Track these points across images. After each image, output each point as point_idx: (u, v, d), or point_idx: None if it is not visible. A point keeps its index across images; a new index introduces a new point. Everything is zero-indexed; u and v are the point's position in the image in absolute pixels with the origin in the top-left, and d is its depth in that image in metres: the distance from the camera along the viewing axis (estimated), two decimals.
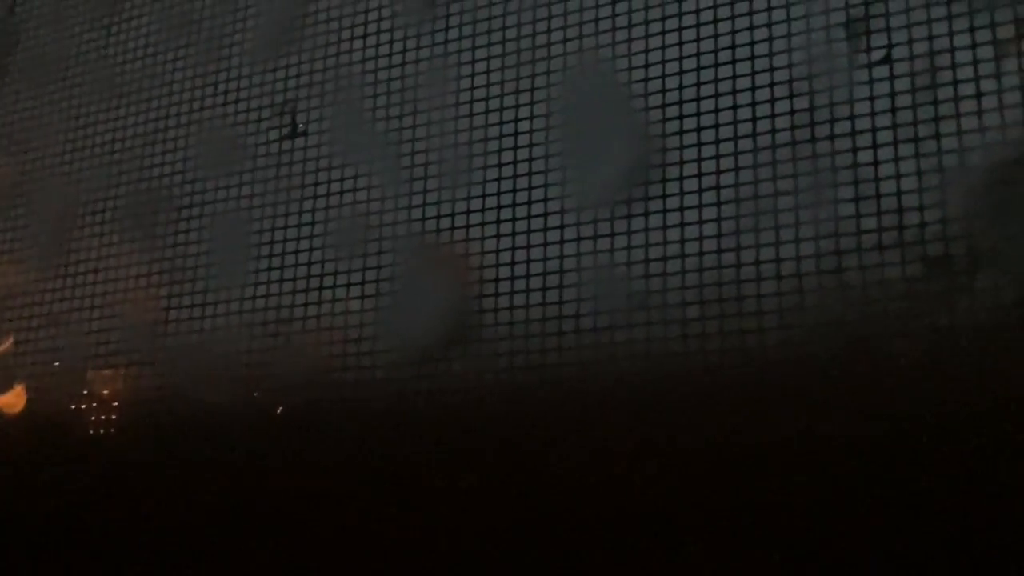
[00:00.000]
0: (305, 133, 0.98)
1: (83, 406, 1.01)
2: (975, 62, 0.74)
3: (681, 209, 0.80)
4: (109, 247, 1.05)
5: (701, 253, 0.79)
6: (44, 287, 1.07)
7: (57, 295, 1.06)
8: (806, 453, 0.73)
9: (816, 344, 0.75)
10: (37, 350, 1.05)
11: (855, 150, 0.76)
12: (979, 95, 0.73)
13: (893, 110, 0.75)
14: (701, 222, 0.79)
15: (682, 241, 0.79)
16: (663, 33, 0.84)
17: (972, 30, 0.74)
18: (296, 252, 0.95)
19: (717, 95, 0.81)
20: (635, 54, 0.85)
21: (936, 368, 0.72)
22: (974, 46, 0.74)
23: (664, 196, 0.81)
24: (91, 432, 1.00)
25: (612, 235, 0.82)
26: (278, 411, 0.92)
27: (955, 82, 0.74)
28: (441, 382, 0.86)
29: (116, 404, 1.00)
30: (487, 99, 0.90)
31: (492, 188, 0.88)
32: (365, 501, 0.87)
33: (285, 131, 0.98)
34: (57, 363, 1.04)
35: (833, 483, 0.73)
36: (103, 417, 1.00)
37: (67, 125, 1.12)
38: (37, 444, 1.03)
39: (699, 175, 0.80)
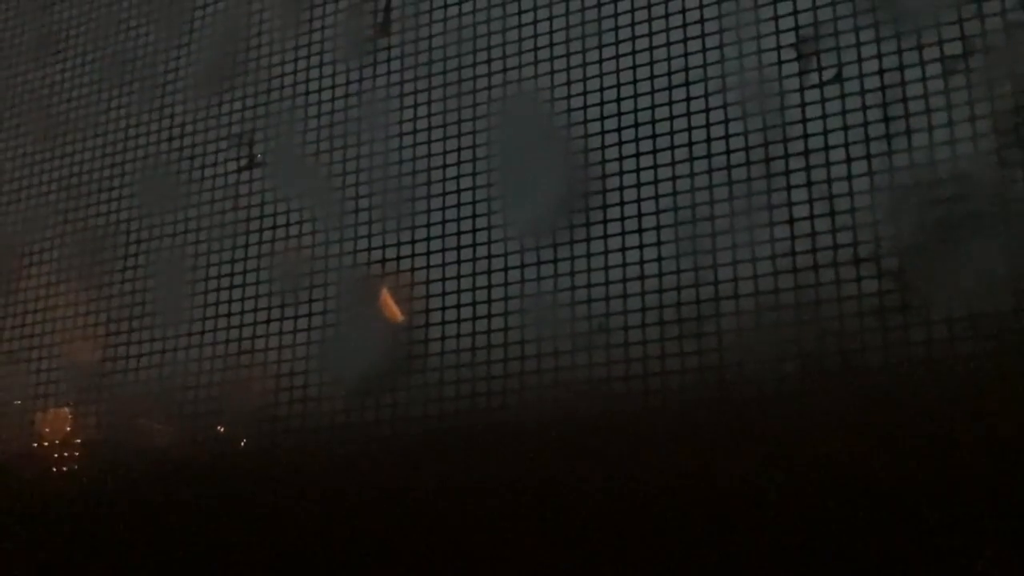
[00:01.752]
0: (263, 163, 0.98)
1: (32, 446, 1.00)
2: (924, 79, 0.75)
3: (640, 231, 0.80)
4: (55, 286, 1.05)
5: (661, 274, 0.79)
6: None
7: (3, 335, 1.05)
8: (774, 476, 0.74)
9: (776, 363, 0.76)
10: None
11: (808, 168, 0.77)
12: (928, 111, 0.74)
13: (845, 128, 0.76)
14: (660, 243, 0.80)
15: (641, 263, 0.80)
16: (616, 58, 0.85)
17: (920, 48, 0.76)
18: (244, 286, 0.95)
19: (672, 117, 0.81)
20: (590, 79, 0.85)
21: (893, 383, 0.73)
22: (922, 63, 0.75)
23: (623, 219, 0.81)
24: (39, 473, 0.99)
25: (572, 259, 0.82)
26: (241, 444, 0.92)
27: (905, 99, 0.75)
28: (385, 414, 0.86)
29: (65, 444, 0.99)
30: (430, 129, 0.91)
31: (436, 218, 0.88)
32: (311, 533, 0.87)
33: (243, 162, 0.98)
34: (17, 402, 1.03)
35: (804, 506, 0.73)
36: (54, 456, 0.99)
37: (10, 165, 1.11)
38: None
39: (656, 197, 0.81)
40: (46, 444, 1.00)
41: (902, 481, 0.71)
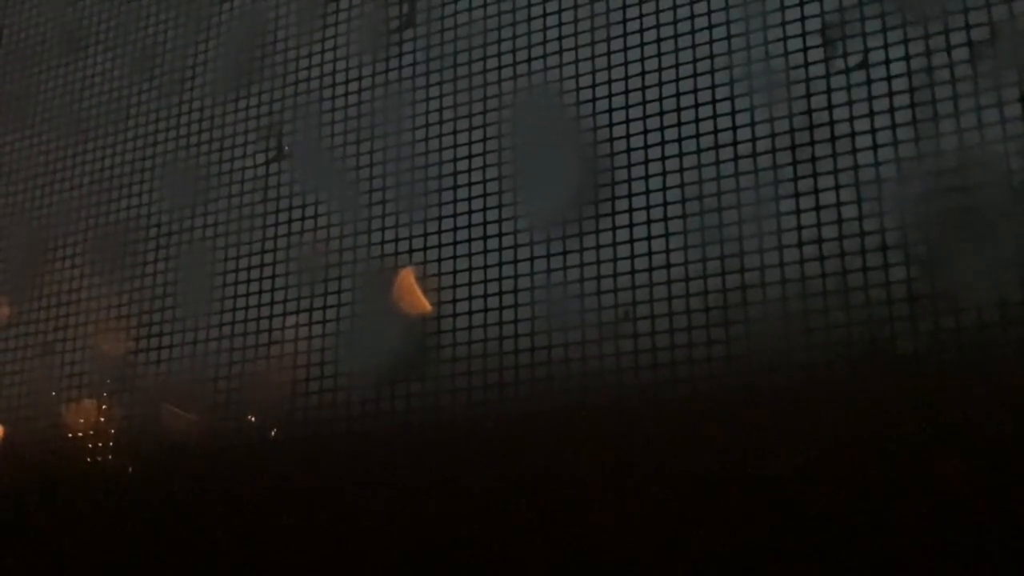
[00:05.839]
0: (289, 156, 0.98)
1: (64, 437, 1.01)
2: (951, 64, 0.75)
3: (665, 219, 0.80)
4: (85, 279, 1.06)
5: (687, 263, 0.79)
6: (17, 320, 1.07)
7: (31, 328, 1.06)
8: (803, 464, 0.73)
9: (804, 351, 0.75)
10: (13, 383, 1.05)
11: (835, 155, 0.76)
12: (955, 97, 0.74)
13: (871, 114, 0.76)
14: (686, 231, 0.80)
15: (667, 251, 0.80)
16: (641, 45, 0.85)
17: (947, 32, 0.75)
18: (274, 277, 0.95)
19: (697, 104, 0.81)
20: (614, 67, 0.85)
21: (922, 370, 0.72)
22: (949, 48, 0.75)
23: (648, 207, 0.81)
24: (70, 464, 1.00)
25: (597, 248, 0.82)
26: (272, 434, 0.92)
27: (932, 85, 0.75)
28: (413, 404, 0.86)
29: (96, 435, 1.00)
30: (456, 120, 0.91)
31: (461, 208, 0.88)
32: (340, 521, 0.87)
33: (272, 155, 0.99)
34: (52, 393, 1.04)
35: (832, 493, 0.73)
36: (86, 447, 1.00)
37: (40, 160, 1.13)
38: (14, 478, 1.02)
39: (682, 184, 0.80)
40: (78, 435, 1.01)
41: (932, 467, 0.70)
